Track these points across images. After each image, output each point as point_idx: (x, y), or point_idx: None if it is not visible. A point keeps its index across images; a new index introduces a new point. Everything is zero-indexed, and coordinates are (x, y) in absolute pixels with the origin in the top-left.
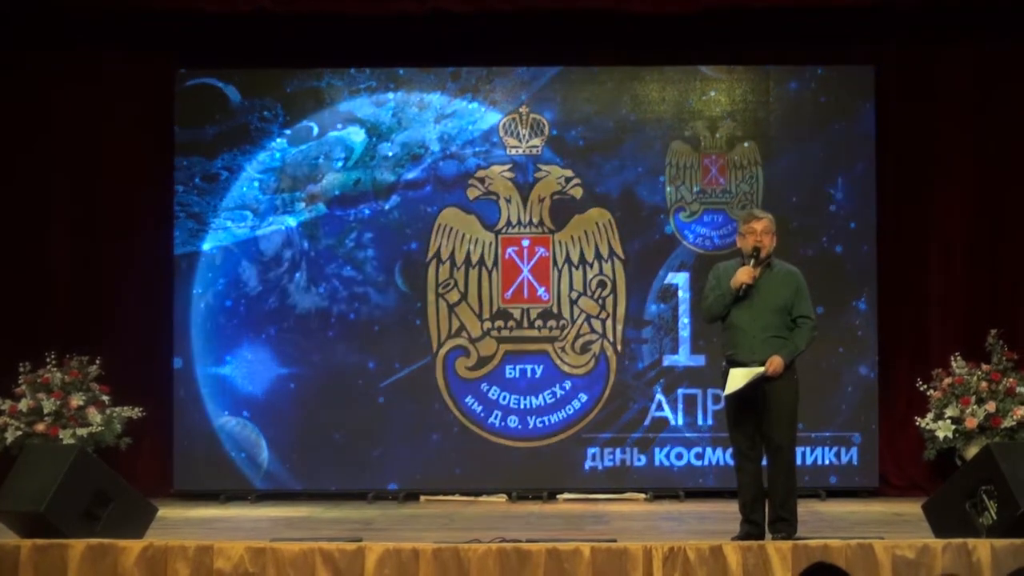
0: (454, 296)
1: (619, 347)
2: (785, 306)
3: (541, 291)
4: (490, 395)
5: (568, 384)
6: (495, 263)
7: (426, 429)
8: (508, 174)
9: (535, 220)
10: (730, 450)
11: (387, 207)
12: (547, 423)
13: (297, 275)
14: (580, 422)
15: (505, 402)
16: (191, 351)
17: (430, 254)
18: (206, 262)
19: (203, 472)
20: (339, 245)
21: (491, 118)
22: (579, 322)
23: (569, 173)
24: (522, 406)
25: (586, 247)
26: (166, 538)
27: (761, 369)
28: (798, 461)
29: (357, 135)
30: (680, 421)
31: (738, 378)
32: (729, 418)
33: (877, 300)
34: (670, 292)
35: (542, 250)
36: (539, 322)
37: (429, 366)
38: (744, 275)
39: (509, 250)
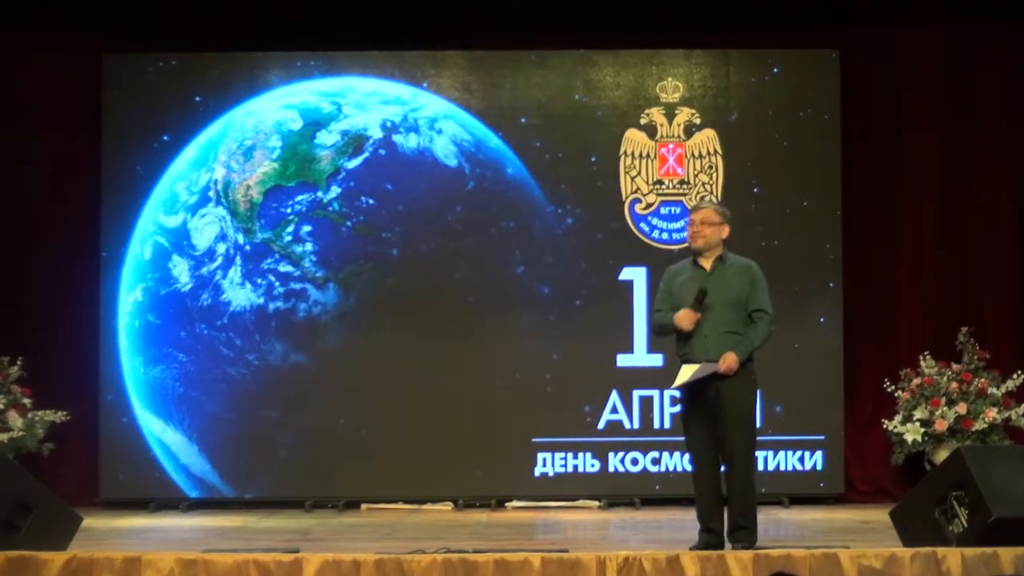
0: None
1: (567, 347)
2: (739, 300)
3: None
4: None
5: None
6: None
7: (368, 433)
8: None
9: None
10: (688, 455)
11: (327, 198)
12: (496, 427)
13: (231, 270)
14: (530, 426)
15: None
16: (118, 351)
17: None
18: (135, 256)
19: (131, 479)
20: (276, 239)
21: (437, 104)
22: None
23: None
24: None
25: None
26: (91, 549)
27: (713, 365)
28: (759, 466)
29: (295, 122)
30: (636, 424)
31: (689, 371)
32: (683, 421)
33: (843, 297)
34: (625, 288)
35: None
36: None
37: None
38: (684, 323)
39: None
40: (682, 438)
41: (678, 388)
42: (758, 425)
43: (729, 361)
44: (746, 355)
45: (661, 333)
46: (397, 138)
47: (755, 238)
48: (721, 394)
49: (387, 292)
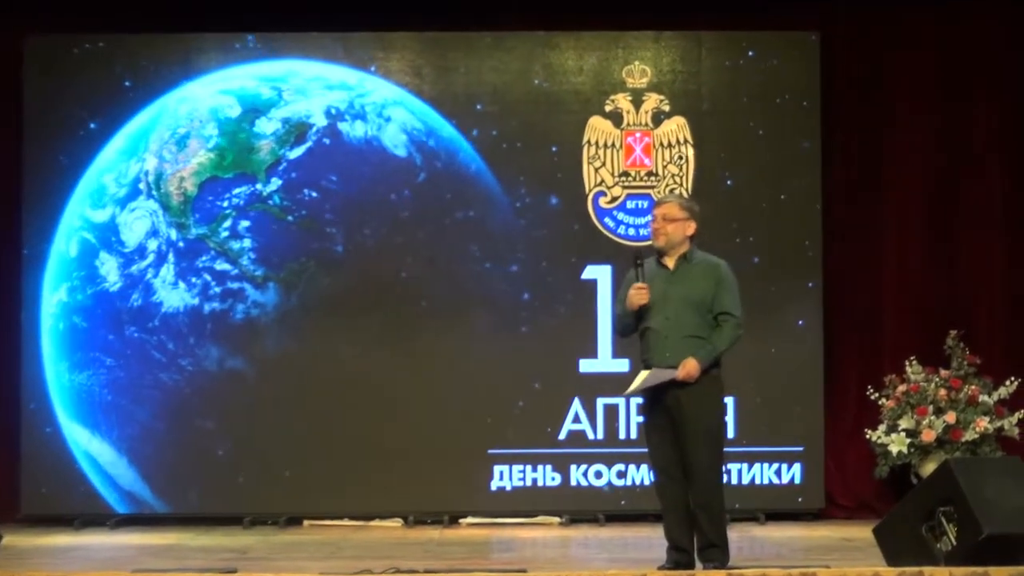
0: None
1: (525, 352)
2: (703, 302)
3: None
4: None
5: None
6: None
7: (311, 444)
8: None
9: None
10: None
11: (267, 191)
12: (449, 437)
13: (164, 268)
14: (485, 436)
15: None
16: (41, 356)
17: None
18: (59, 254)
19: (55, 494)
20: (212, 234)
21: (386, 90)
22: None
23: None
24: None
25: None
26: (11, 570)
27: (671, 371)
28: (732, 480)
29: (232, 109)
30: (600, 435)
31: (646, 378)
32: (644, 431)
33: (823, 298)
34: (588, 288)
35: None
36: None
37: None
38: (635, 298)
39: None
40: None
41: (628, 396)
42: (731, 435)
43: (689, 367)
44: (709, 361)
45: (623, 330)
46: (343, 126)
47: (728, 234)
48: (681, 403)
49: (332, 292)
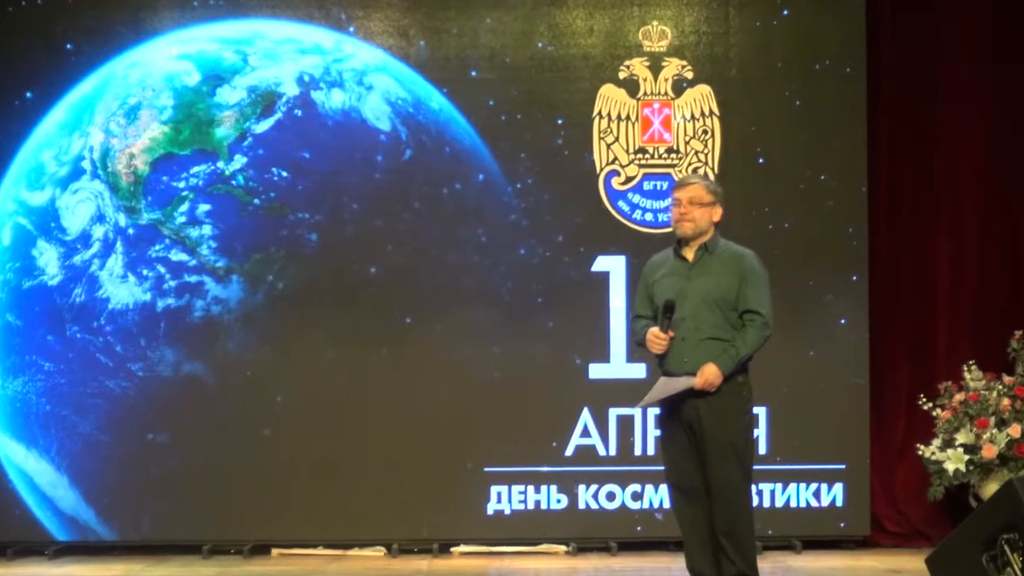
0: None
1: (527, 355)
2: (726, 298)
3: None
4: None
5: None
6: None
7: (280, 460)
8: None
9: None
10: (667, 487)
11: (229, 170)
12: (439, 454)
13: (111, 259)
14: (481, 452)
15: None
16: None
17: None
18: None
19: None
20: (166, 220)
21: (367, 54)
22: None
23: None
24: None
25: None
26: None
27: (689, 379)
28: (765, 502)
29: (190, 76)
30: (612, 451)
31: (660, 388)
32: (661, 446)
33: (868, 291)
34: (599, 282)
35: None
36: None
37: None
38: (654, 346)
39: None
40: None
41: (643, 407)
42: (762, 451)
43: (708, 375)
44: (732, 367)
45: (641, 341)
46: (317, 95)
47: (760, 220)
48: (701, 415)
49: (304, 286)
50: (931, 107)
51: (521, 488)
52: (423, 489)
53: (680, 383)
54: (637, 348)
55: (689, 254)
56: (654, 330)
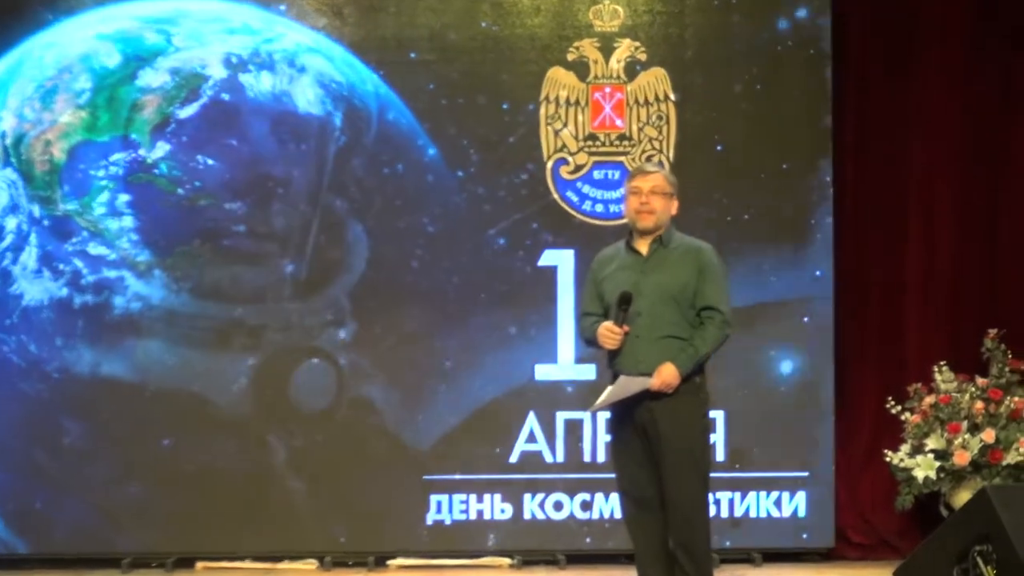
0: None
1: (469, 355)
2: (683, 294)
3: None
4: None
5: None
6: None
7: (205, 468)
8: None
9: None
10: (619, 496)
11: (152, 158)
12: (376, 460)
13: (24, 252)
14: (420, 459)
15: None
16: None
17: None
18: None
19: None
20: (84, 211)
21: (298, 34)
22: None
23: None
24: None
25: None
26: None
27: (644, 380)
28: (722, 512)
29: (110, 57)
30: (559, 458)
31: (616, 389)
32: (612, 452)
33: (834, 287)
34: (547, 277)
35: None
36: None
37: None
38: (607, 341)
39: None
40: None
41: (594, 411)
42: (719, 458)
43: (665, 375)
44: (690, 367)
45: (589, 346)
46: (245, 79)
47: (717, 212)
48: (656, 418)
49: (230, 282)
50: (903, 90)
51: (463, 497)
52: (358, 498)
53: (635, 384)
54: (586, 348)
55: (643, 247)
56: (608, 324)
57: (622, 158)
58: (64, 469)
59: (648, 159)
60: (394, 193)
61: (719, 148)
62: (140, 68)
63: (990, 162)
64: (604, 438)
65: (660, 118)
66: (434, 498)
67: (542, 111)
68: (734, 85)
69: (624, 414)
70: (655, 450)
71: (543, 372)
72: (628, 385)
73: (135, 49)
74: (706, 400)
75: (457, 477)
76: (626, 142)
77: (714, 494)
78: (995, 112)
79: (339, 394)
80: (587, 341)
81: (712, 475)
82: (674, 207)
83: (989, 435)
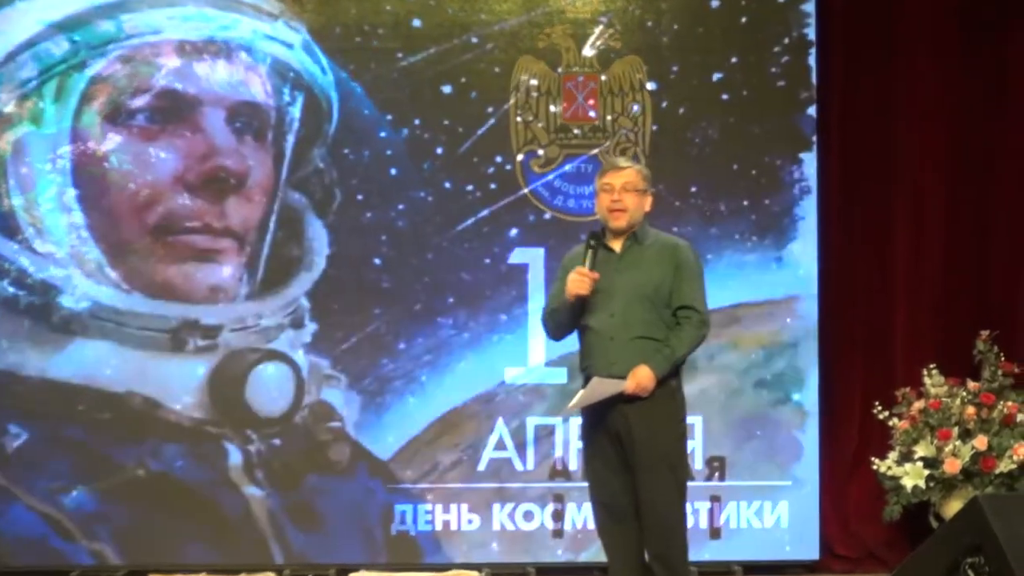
0: None
1: (435, 357)
2: (659, 293)
3: None
4: None
5: None
6: None
7: (157, 475)
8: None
9: None
10: (592, 505)
11: (102, 150)
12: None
13: None
14: (383, 467)
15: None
16: None
17: None
18: None
19: None
20: (30, 206)
21: (254, 21)
22: None
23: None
24: None
25: None
26: None
27: (618, 383)
28: (701, 523)
29: (58, 45)
30: (530, 465)
31: (591, 390)
32: (584, 459)
33: (817, 286)
34: (517, 276)
35: None
36: None
37: None
38: (575, 286)
39: None
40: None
41: (566, 415)
42: (697, 466)
43: (641, 378)
44: (666, 369)
45: (556, 328)
46: (200, 68)
47: (695, 206)
48: (631, 423)
49: (184, 280)
50: (891, 79)
51: (428, 507)
52: (318, 507)
53: (608, 387)
54: (553, 332)
55: (616, 244)
56: (580, 268)
57: (595, 151)
58: (8, 477)
59: (622, 152)
60: (356, 187)
61: (697, 140)
62: (90, 56)
63: (983, 153)
64: (576, 445)
65: (636, 109)
66: (398, 508)
67: (512, 101)
68: (713, 73)
69: (597, 419)
70: (629, 457)
71: (513, 375)
72: (601, 388)
73: (85, 36)
74: (683, 404)
75: (422, 486)
76: (599, 134)
77: (692, 503)
78: (988, 102)
79: (298, 398)
80: (551, 316)
81: (690, 484)
82: (648, 203)
83: (981, 442)
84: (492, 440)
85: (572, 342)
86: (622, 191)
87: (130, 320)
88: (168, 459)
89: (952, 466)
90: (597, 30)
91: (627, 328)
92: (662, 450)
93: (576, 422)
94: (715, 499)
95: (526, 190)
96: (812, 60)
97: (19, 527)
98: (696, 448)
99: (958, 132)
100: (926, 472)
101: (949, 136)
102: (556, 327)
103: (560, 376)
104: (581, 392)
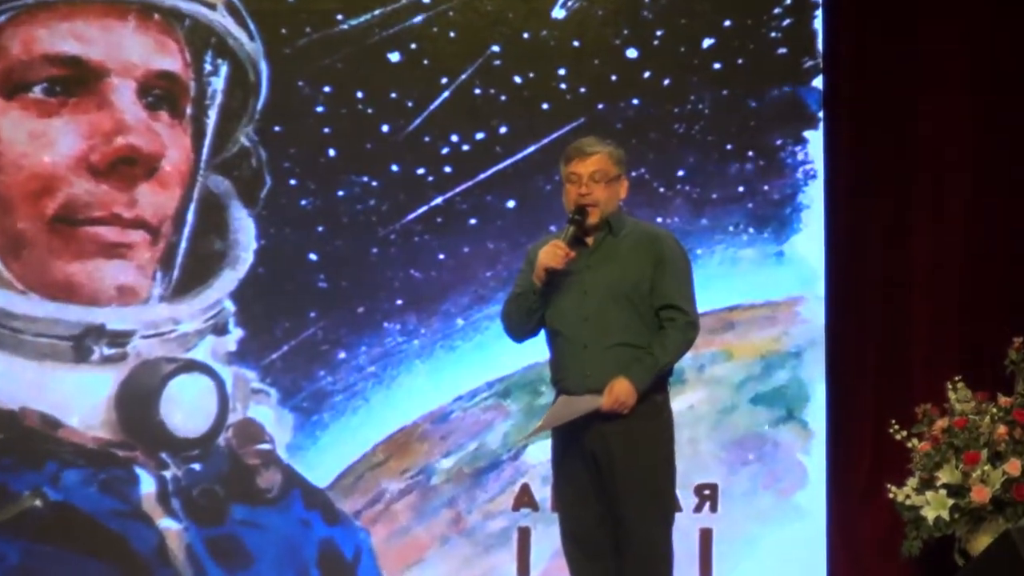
0: None
1: (380, 369)
2: (638, 291)
3: None
4: None
5: None
6: None
7: (59, 506)
8: None
9: None
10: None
11: None
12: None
13: None
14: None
15: None
16: None
17: None
18: None
19: None
20: None
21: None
22: None
23: None
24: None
25: None
26: None
27: (594, 399)
28: (689, 557)
29: None
30: (489, 494)
31: (557, 411)
32: (554, 487)
33: (825, 285)
34: (474, 274)
35: None
36: None
37: None
38: (549, 257)
39: None
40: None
41: (531, 438)
42: (685, 492)
43: (619, 393)
44: (649, 381)
45: (518, 323)
46: (107, 31)
47: (682, 193)
48: (610, 446)
49: (88, 279)
50: (910, 41)
51: (373, 542)
52: (247, 543)
53: (582, 405)
54: (513, 324)
55: (588, 237)
56: (557, 240)
57: (566, 129)
58: None
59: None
60: (289, 171)
61: (685, 116)
62: None
63: (1013, 132)
64: (546, 470)
65: (613, 79)
66: (339, 543)
67: (468, 72)
68: (702, 39)
69: (569, 441)
70: (607, 484)
71: (469, 391)
72: (572, 405)
73: None
74: (670, 422)
75: (367, 517)
76: (571, 109)
77: (678, 539)
78: (1016, 62)
79: (221, 416)
80: (515, 299)
81: (676, 516)
82: (623, 189)
83: (1014, 466)
84: (447, 465)
85: (542, 349)
86: (591, 182)
87: (25, 325)
88: (70, 487)
89: (980, 494)
90: None
91: (603, 333)
92: (644, 475)
93: (546, 444)
94: (705, 534)
95: (486, 174)
96: (818, 23)
97: None
98: (684, 471)
99: (989, 109)
100: (950, 502)
101: (978, 113)
102: (519, 320)
103: (527, 391)
104: (556, 411)
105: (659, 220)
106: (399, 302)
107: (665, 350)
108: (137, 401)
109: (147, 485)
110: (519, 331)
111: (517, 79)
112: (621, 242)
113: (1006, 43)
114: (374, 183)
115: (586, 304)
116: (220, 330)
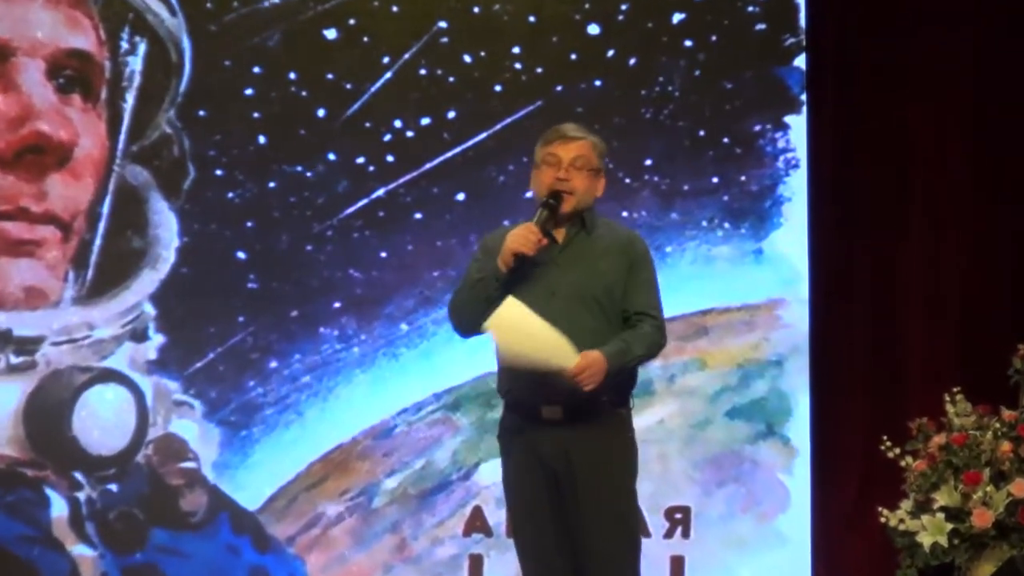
0: None
1: (316, 380)
2: (609, 296)
3: None
4: None
5: None
6: None
7: None
8: None
9: None
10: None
11: None
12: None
13: None
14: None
15: None
16: None
17: None
18: None
19: None
20: None
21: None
22: None
23: None
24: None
25: None
26: None
27: (566, 357)
28: None
29: None
30: (437, 518)
31: (518, 338)
32: (510, 512)
33: (809, 288)
34: (419, 273)
35: None
36: None
37: None
38: (519, 240)
39: None
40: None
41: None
42: (654, 516)
43: (593, 362)
44: (618, 367)
45: (472, 316)
46: (12, 5)
47: (651, 184)
48: (573, 462)
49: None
50: (903, 17)
51: (309, 571)
52: (168, 572)
53: (547, 353)
54: (463, 318)
55: (558, 232)
56: (530, 224)
57: (521, 114)
58: None
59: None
60: (215, 160)
61: (653, 99)
62: None
63: (1012, 125)
64: (499, 491)
65: (572, 58)
66: (271, 572)
67: (413, 50)
68: (672, 13)
69: (527, 454)
70: (568, 503)
71: (414, 403)
72: (534, 340)
73: None
74: (632, 439)
75: (301, 543)
76: (528, 92)
77: (647, 564)
78: (1015, 70)
79: (140, 431)
80: (472, 286)
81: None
82: (601, 187)
83: (1019, 488)
84: (391, 486)
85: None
86: (571, 167)
87: None
88: None
89: (982, 518)
90: None
91: (572, 338)
92: (610, 495)
93: (494, 466)
94: (676, 562)
95: (433, 163)
96: (802, 11)
97: None
98: (653, 493)
99: (989, 94)
100: (949, 526)
101: (978, 99)
102: (473, 310)
103: (478, 403)
104: (501, 317)
105: (624, 214)
106: (336, 305)
107: (639, 342)
108: (47, 415)
109: (58, 508)
110: (472, 324)
111: (467, 58)
112: (595, 242)
113: (1011, 24)
114: (309, 174)
115: (553, 305)
116: (139, 336)
